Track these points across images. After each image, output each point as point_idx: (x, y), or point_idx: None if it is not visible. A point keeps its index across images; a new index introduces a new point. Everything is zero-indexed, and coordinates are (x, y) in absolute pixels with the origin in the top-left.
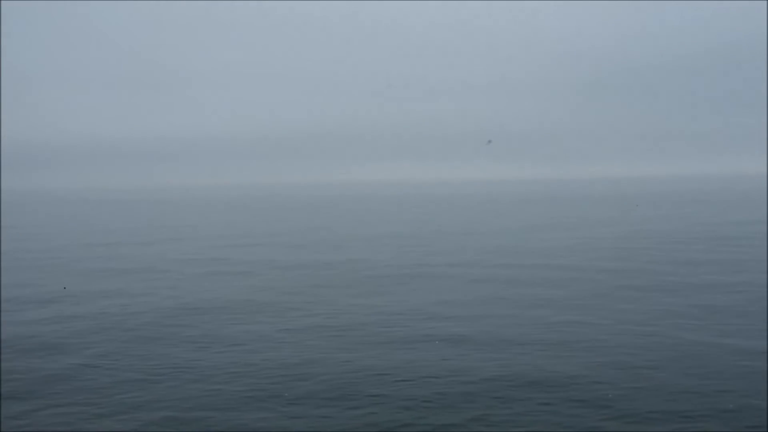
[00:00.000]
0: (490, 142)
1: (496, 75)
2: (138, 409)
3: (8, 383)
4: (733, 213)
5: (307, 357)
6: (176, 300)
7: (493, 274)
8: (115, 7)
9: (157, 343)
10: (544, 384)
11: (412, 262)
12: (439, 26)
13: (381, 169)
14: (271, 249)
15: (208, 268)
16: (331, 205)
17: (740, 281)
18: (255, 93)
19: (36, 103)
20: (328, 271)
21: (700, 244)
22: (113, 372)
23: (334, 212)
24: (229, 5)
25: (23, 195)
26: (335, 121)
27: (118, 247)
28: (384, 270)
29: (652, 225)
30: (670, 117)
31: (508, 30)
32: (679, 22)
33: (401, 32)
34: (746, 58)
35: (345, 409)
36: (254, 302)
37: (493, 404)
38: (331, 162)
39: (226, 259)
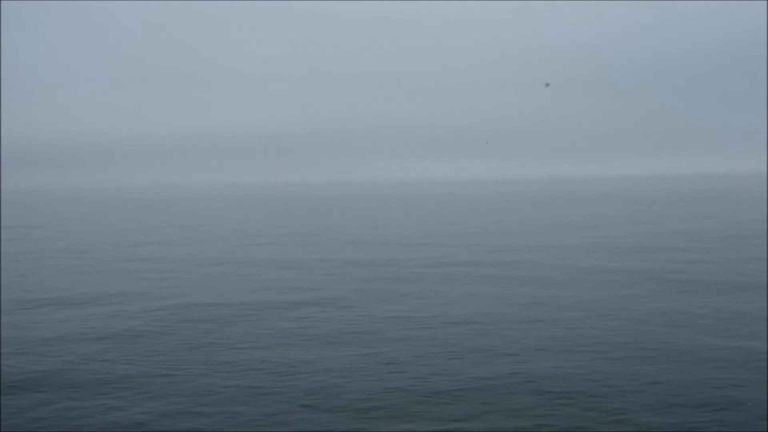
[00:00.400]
0: (488, 142)
1: (500, 73)
2: (151, 400)
3: (22, 375)
4: (744, 211)
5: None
6: (201, 299)
7: (513, 274)
8: (117, 6)
9: (178, 342)
10: (561, 381)
11: (444, 262)
12: (446, 25)
13: (387, 168)
14: (290, 248)
15: (232, 267)
16: (341, 204)
17: (758, 281)
18: (259, 91)
19: (38, 102)
20: (357, 270)
21: (717, 242)
22: (131, 367)
23: (346, 210)
24: (233, 5)
25: (28, 194)
26: (341, 119)
27: (136, 247)
28: (407, 270)
29: (669, 224)
30: (673, 115)
31: (512, 29)
32: (682, 21)
33: (407, 31)
34: (749, 56)
35: (360, 401)
36: (271, 302)
37: (509, 400)
38: (338, 160)
39: (246, 258)
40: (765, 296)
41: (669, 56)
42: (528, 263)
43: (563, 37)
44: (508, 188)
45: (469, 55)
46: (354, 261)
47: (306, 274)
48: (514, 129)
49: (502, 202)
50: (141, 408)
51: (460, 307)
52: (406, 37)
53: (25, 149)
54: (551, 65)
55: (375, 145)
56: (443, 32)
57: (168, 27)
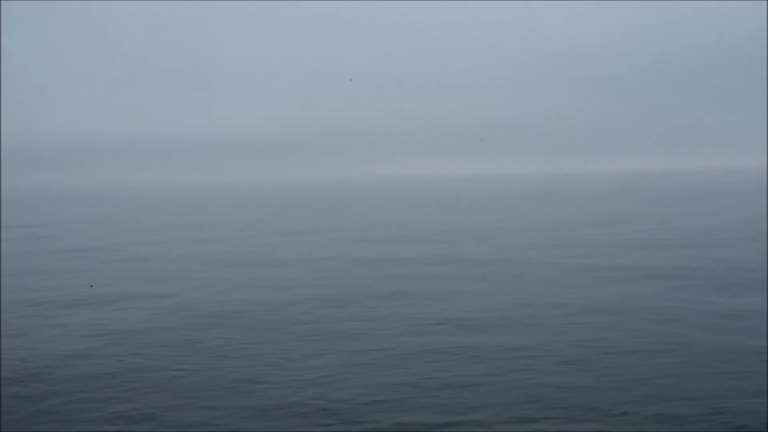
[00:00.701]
0: (482, 140)
1: (501, 72)
2: (159, 393)
3: (29, 369)
4: (750, 206)
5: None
6: (209, 297)
7: (522, 272)
8: (117, 7)
9: (185, 339)
10: (568, 377)
11: (453, 259)
12: (448, 24)
13: (389, 166)
14: (297, 246)
15: (239, 266)
16: (344, 202)
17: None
18: (260, 91)
19: (39, 101)
20: (363, 267)
21: (731, 237)
22: (138, 362)
23: (349, 208)
24: (233, 5)
25: (29, 193)
26: (342, 118)
27: (143, 245)
28: (415, 268)
29: (693, 221)
30: (674, 114)
31: (512, 28)
32: (682, 21)
33: (407, 31)
34: (749, 56)
35: (367, 395)
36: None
37: (514, 397)
38: (340, 159)
39: (254, 256)
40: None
41: (669, 56)
42: (536, 260)
43: (564, 36)
44: (510, 185)
45: (469, 55)
46: (361, 258)
47: (313, 272)
48: (516, 128)
49: (505, 199)
50: (148, 400)
51: (470, 305)
52: (406, 37)
53: (25, 149)
54: (551, 65)
55: (375, 144)
56: (443, 32)
57: (168, 27)
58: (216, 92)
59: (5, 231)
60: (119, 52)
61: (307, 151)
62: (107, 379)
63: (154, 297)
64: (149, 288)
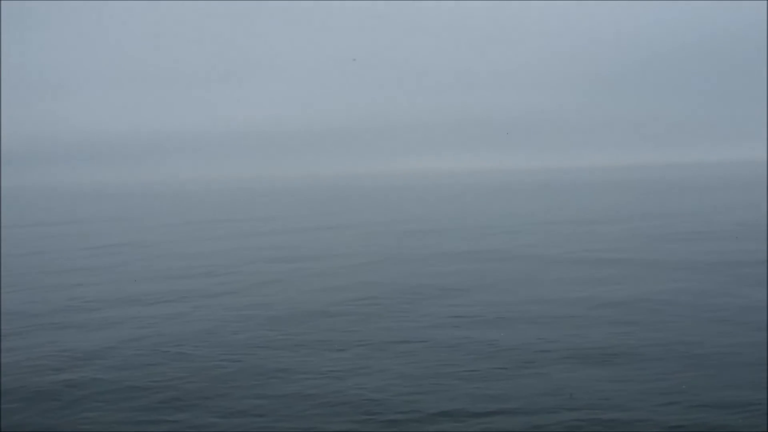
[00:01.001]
0: (508, 133)
1: (503, 70)
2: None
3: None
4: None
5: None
6: (248, 293)
7: (574, 267)
8: (119, 6)
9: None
10: (608, 370)
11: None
12: (450, 24)
13: (395, 163)
14: (328, 241)
15: (285, 263)
16: (372, 197)
17: None
18: (274, 88)
19: (41, 101)
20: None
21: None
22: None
23: (381, 203)
24: (240, 4)
25: (34, 192)
26: (343, 117)
27: (161, 244)
28: (454, 264)
29: (730, 213)
30: (675, 108)
31: (516, 27)
32: (680, 18)
33: (413, 30)
34: (748, 52)
35: (407, 385)
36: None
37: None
38: (344, 158)
39: (291, 252)
40: None
41: (669, 53)
42: (573, 255)
43: (565, 35)
44: (522, 179)
45: (471, 55)
46: (394, 253)
47: (348, 266)
48: (520, 125)
49: (520, 193)
50: (191, 388)
51: (507, 299)
52: (407, 36)
53: (28, 148)
54: (552, 64)
55: (376, 142)
56: (444, 32)
57: (168, 27)
58: (216, 90)
59: (18, 230)
60: (121, 52)
61: (321, 147)
62: (150, 368)
63: (191, 291)
64: (185, 283)
